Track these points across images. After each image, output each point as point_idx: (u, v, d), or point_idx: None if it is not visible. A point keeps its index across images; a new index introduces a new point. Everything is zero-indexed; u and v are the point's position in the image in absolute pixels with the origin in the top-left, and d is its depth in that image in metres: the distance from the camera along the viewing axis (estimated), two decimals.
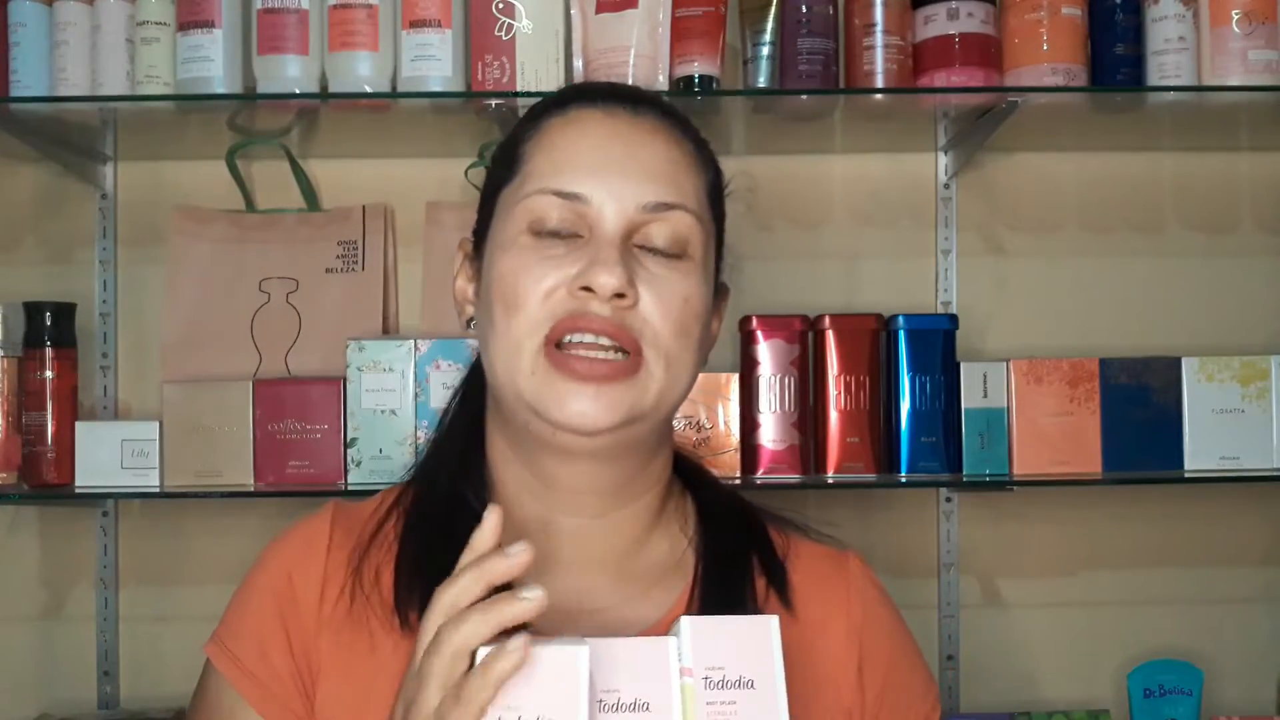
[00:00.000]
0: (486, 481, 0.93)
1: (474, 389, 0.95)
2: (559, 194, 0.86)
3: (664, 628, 0.87)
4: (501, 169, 0.91)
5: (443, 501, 0.91)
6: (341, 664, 0.88)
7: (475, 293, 0.92)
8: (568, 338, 0.84)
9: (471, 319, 0.93)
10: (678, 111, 0.94)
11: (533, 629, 0.85)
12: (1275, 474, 1.55)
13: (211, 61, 1.48)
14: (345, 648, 0.88)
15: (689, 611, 0.89)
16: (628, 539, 0.91)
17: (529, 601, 0.72)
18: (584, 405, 0.83)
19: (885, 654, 0.93)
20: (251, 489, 1.54)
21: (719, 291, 0.95)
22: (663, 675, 0.74)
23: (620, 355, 0.84)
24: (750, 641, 0.75)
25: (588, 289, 0.83)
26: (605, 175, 0.86)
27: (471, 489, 0.92)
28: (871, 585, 0.96)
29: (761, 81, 1.52)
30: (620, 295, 0.83)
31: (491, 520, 0.76)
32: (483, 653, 0.72)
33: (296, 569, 0.91)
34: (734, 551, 0.93)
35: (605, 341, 0.83)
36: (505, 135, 0.95)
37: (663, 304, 0.85)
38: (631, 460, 0.89)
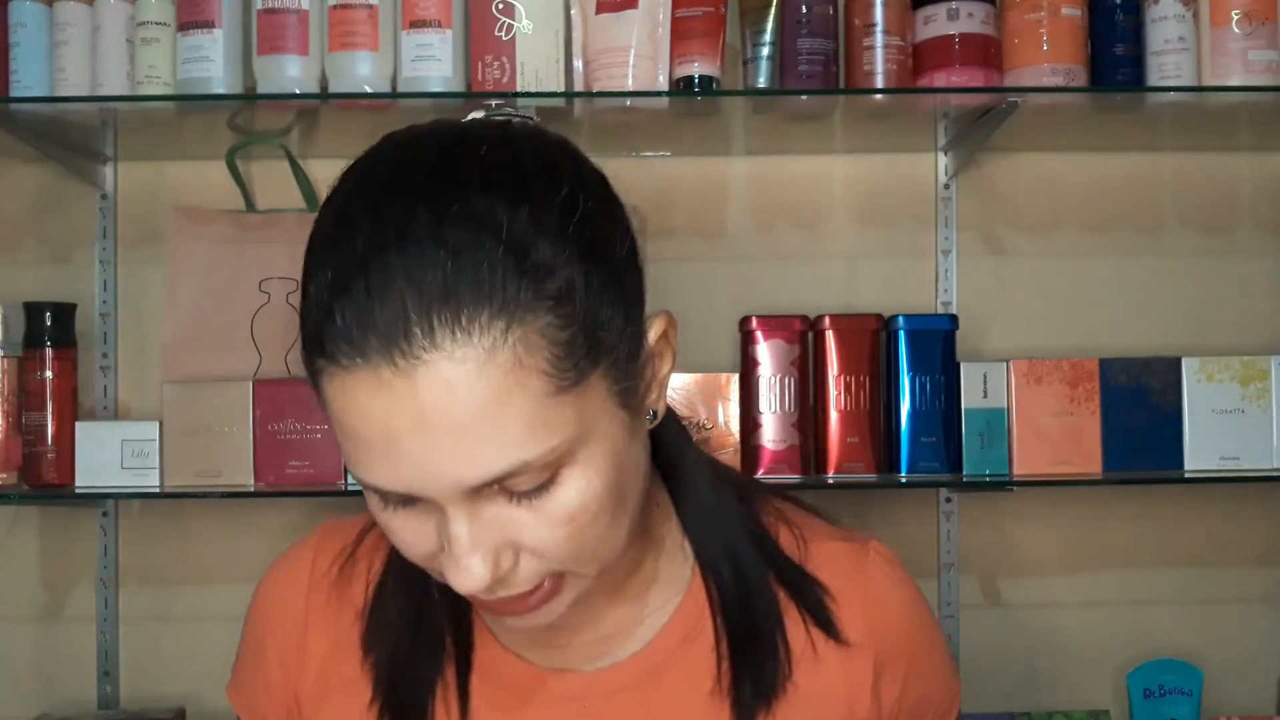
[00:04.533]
0: None
1: None
2: (377, 490, 0.70)
3: (666, 639, 0.85)
4: (309, 357, 0.69)
5: None
6: (328, 700, 0.87)
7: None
8: None
9: None
10: (470, 285, 0.65)
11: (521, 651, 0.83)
12: (1275, 474, 1.55)
13: (211, 61, 1.48)
14: (329, 685, 0.87)
15: (715, 640, 0.83)
16: (623, 574, 0.84)
17: None
18: (530, 622, 0.76)
19: (904, 662, 0.87)
20: (251, 489, 1.54)
21: (646, 344, 0.75)
22: None
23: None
24: None
25: None
26: (408, 471, 0.67)
27: None
28: (892, 584, 0.88)
29: (761, 82, 1.52)
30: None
31: None
32: None
33: (276, 613, 0.89)
34: (741, 568, 0.85)
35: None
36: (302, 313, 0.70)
37: (544, 544, 0.71)
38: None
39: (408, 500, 0.70)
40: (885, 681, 0.87)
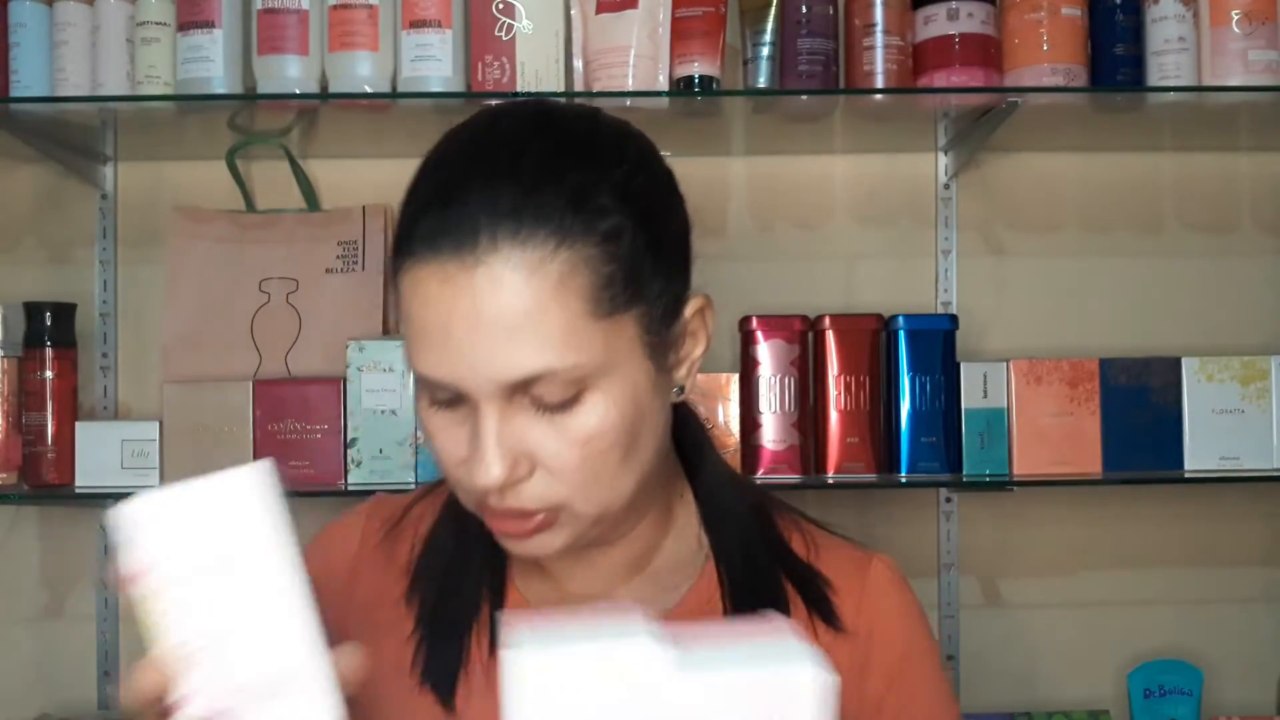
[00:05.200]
0: None
1: None
2: (427, 380, 0.80)
3: (675, 619, 0.86)
4: (395, 259, 0.82)
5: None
6: (368, 639, 0.90)
7: None
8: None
9: None
10: (533, 209, 0.77)
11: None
12: (1275, 474, 1.55)
13: (211, 61, 1.48)
14: (370, 626, 0.91)
15: (722, 612, 0.88)
16: (641, 550, 0.91)
17: None
18: (526, 548, 0.83)
19: (893, 664, 0.90)
20: None
21: (682, 315, 0.84)
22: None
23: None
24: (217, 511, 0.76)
25: None
26: (456, 359, 0.77)
27: None
28: (892, 587, 0.92)
29: (761, 82, 1.52)
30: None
31: None
32: None
33: (332, 557, 0.96)
34: (752, 559, 0.91)
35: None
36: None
37: (560, 462, 0.79)
38: (615, 526, 0.87)
39: (451, 402, 0.79)
40: (871, 676, 0.89)
